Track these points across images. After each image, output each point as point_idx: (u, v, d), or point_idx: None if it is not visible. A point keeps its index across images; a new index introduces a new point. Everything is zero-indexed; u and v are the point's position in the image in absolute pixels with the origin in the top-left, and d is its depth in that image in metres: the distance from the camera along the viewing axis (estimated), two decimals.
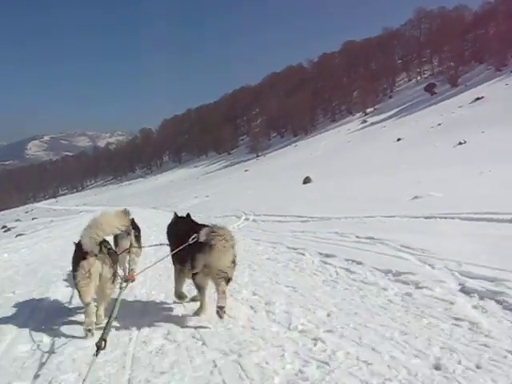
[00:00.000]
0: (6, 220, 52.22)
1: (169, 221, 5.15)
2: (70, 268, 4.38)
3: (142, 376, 3.18)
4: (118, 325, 4.11)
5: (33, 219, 45.10)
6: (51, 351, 3.79)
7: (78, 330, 4.17)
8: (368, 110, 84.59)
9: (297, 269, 5.92)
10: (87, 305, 4.04)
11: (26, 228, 26.43)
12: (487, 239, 5.94)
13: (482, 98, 49.17)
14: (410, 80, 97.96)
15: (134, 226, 6.55)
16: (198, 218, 5.21)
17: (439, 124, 44.56)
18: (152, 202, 41.03)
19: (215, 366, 3.19)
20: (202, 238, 4.02)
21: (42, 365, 3.54)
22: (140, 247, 6.24)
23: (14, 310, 5.14)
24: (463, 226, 7.21)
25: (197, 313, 4.33)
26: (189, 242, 4.20)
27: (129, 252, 5.80)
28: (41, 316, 4.85)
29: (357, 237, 7.35)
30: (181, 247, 4.31)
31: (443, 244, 5.97)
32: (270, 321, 3.98)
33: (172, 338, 3.81)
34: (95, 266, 4.05)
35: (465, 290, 4.16)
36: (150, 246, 6.43)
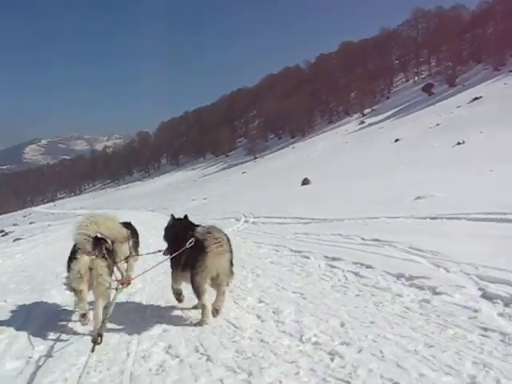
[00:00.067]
0: (4, 224, 51.85)
1: (166, 224, 5.03)
2: (65, 274, 4.33)
3: None
4: (115, 336, 3.82)
5: (30, 223, 44.77)
6: (42, 368, 3.46)
7: (71, 345, 3.87)
8: (365, 111, 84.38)
9: (303, 273, 5.71)
10: (80, 291, 4.05)
11: (24, 232, 26.19)
12: (498, 240, 5.72)
13: (480, 97, 48.95)
14: (407, 80, 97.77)
15: (132, 229, 6.29)
16: (196, 220, 5.01)
17: (437, 124, 44.34)
18: (150, 204, 40.86)
19: None
20: (198, 236, 4.07)
21: None
22: (137, 254, 6.01)
23: (3, 321, 4.81)
24: (470, 227, 7.00)
25: (200, 323, 4.11)
26: (186, 247, 4.16)
27: (126, 260, 5.53)
28: (32, 328, 4.50)
29: (362, 239, 7.17)
30: (179, 251, 4.26)
31: (453, 245, 5.75)
32: (280, 332, 3.69)
33: (174, 353, 3.50)
34: (85, 259, 4.09)
35: (487, 296, 3.90)
36: (148, 253, 6.11)
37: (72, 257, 4.18)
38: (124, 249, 5.56)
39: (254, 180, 47.57)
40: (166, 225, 5.05)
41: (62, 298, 5.58)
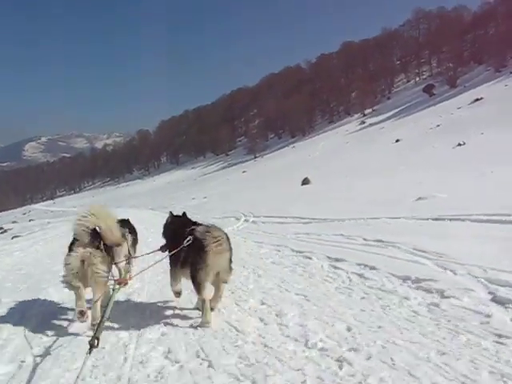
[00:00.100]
0: (3, 221, 51.63)
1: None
2: (62, 272, 4.26)
3: None
4: (111, 339, 3.67)
5: (30, 221, 44.64)
6: (35, 373, 3.28)
7: (67, 348, 3.71)
8: (366, 111, 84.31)
9: (305, 274, 5.57)
10: (77, 288, 4.01)
11: (22, 230, 25.97)
12: (502, 242, 5.60)
13: (481, 99, 48.84)
14: (408, 81, 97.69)
15: (130, 227, 6.17)
16: (196, 219, 4.87)
17: (438, 125, 44.21)
18: (149, 203, 40.78)
19: None
20: (197, 235, 4.03)
21: None
22: (136, 257, 5.85)
23: None
24: (474, 228, 6.89)
25: (200, 325, 3.97)
26: (184, 245, 4.10)
27: (128, 262, 5.38)
28: (27, 329, 4.31)
29: (364, 239, 7.08)
30: (177, 249, 4.21)
31: (458, 247, 5.64)
32: (284, 336, 3.53)
33: (173, 358, 3.33)
34: (79, 251, 4.06)
35: (497, 300, 3.76)
36: (148, 253, 5.94)
37: (68, 252, 4.16)
38: (124, 248, 5.42)
39: (254, 179, 47.49)
40: (164, 222, 4.99)
41: (59, 296, 5.44)
